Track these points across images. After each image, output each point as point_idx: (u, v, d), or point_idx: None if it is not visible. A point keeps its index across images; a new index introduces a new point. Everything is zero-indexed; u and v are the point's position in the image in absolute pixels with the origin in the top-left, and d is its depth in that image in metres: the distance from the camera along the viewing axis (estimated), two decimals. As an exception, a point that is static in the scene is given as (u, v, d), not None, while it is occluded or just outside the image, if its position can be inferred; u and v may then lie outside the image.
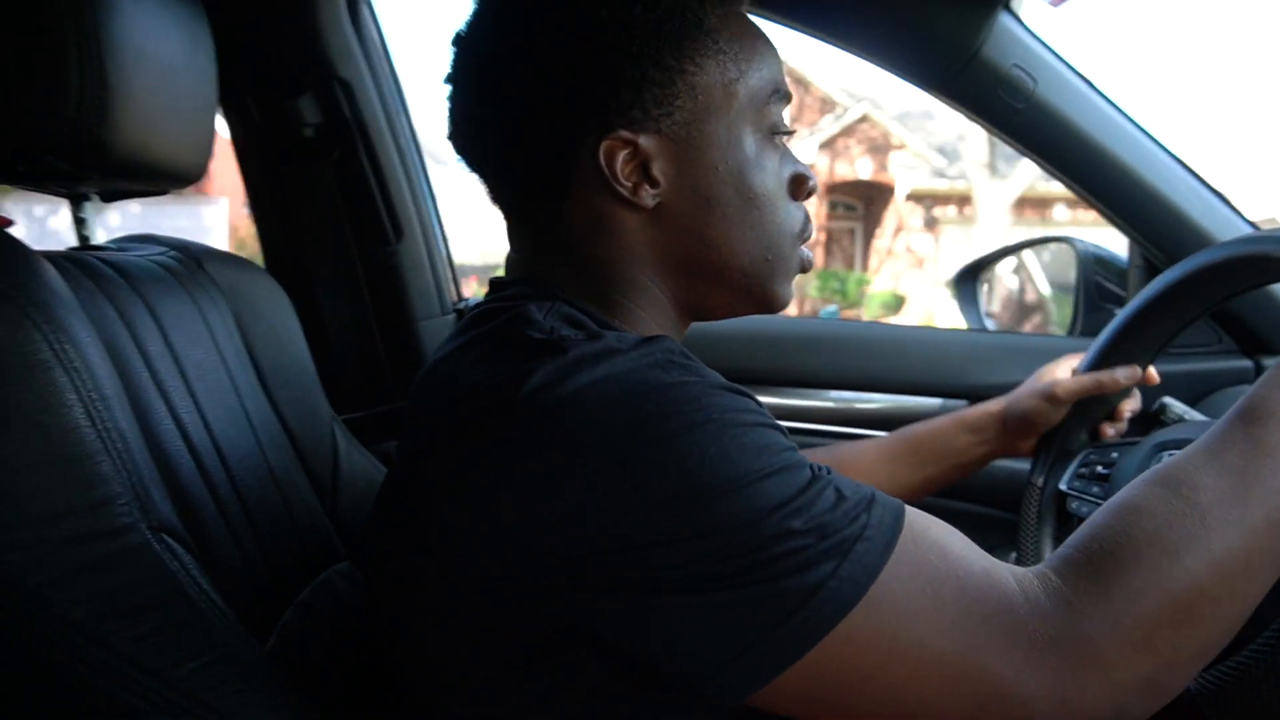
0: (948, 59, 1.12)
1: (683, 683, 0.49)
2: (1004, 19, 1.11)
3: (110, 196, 0.87)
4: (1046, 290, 1.65)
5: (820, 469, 0.51)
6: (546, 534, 0.48)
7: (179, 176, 0.81)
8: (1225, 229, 1.19)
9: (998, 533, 1.36)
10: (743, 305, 0.69)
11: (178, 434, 0.73)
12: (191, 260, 0.89)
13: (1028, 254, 1.65)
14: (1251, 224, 1.21)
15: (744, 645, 0.47)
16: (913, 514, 0.51)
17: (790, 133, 0.68)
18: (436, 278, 1.37)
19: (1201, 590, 0.48)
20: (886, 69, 1.17)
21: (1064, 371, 0.97)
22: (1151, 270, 1.28)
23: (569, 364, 0.51)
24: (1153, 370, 0.94)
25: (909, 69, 1.16)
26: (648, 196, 0.62)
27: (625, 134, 0.61)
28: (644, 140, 0.61)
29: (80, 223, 0.86)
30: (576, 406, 0.49)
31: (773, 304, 0.70)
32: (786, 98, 0.67)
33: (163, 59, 0.75)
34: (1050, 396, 0.94)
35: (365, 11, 1.29)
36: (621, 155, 0.61)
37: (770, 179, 0.66)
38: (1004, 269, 1.64)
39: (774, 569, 0.46)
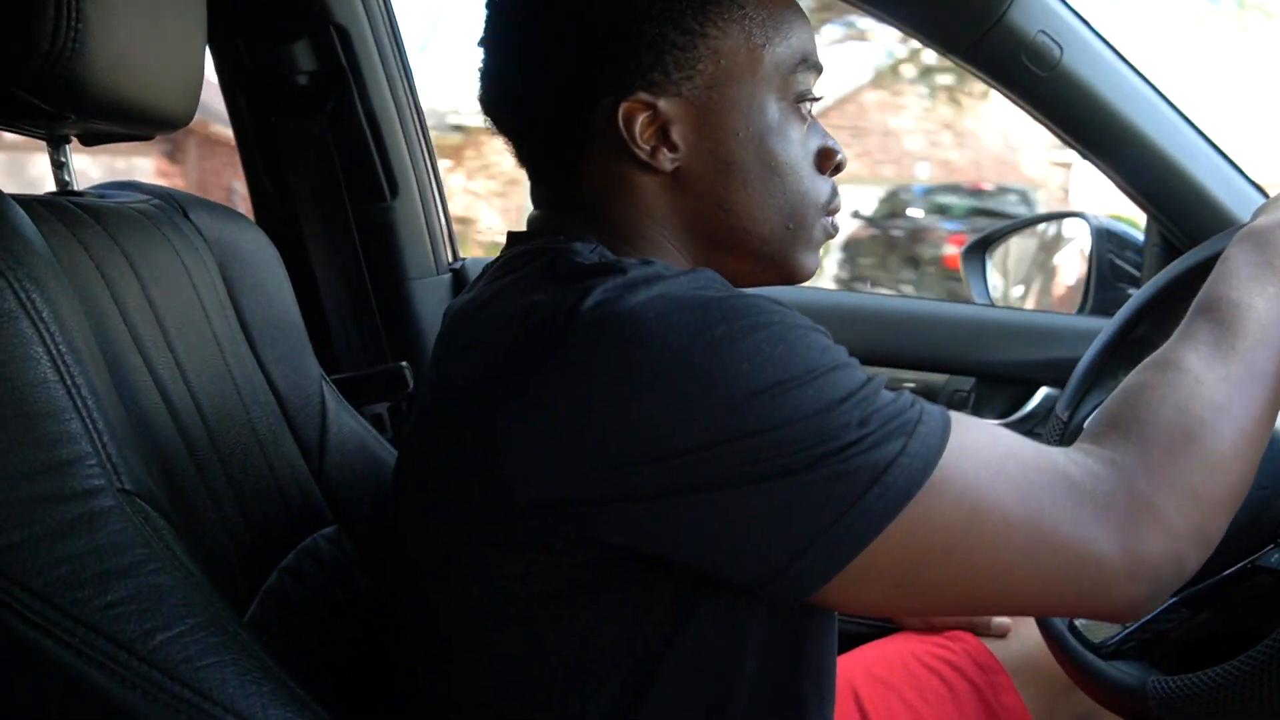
0: (971, 21, 1.07)
1: (751, 583, 0.50)
2: (1032, -19, 1.06)
3: (90, 140, 0.82)
4: (1057, 266, 1.61)
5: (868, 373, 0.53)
6: (618, 443, 0.49)
7: (163, 121, 0.77)
8: (1250, 210, 1.15)
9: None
10: (764, 274, 0.68)
11: (155, 391, 0.69)
12: (175, 209, 0.85)
13: (1040, 228, 1.61)
14: (1277, 204, 1.17)
15: (823, 526, 0.48)
16: (954, 412, 0.54)
17: (817, 99, 0.67)
18: (432, 236, 1.33)
19: (1219, 435, 0.53)
20: (904, 29, 1.13)
21: None
22: (1170, 250, 1.24)
23: (627, 283, 0.52)
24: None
25: (929, 30, 1.12)
26: (666, 160, 0.62)
27: (645, 97, 0.61)
28: (663, 104, 0.61)
29: (59, 166, 0.82)
30: (641, 317, 0.50)
31: (795, 274, 0.69)
32: (816, 68, 0.67)
33: None
34: None
35: (365, -45, 1.24)
36: (641, 118, 0.61)
37: (794, 148, 0.65)
38: (1015, 243, 1.60)
39: (846, 452, 0.48)
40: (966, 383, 1.35)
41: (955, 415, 0.53)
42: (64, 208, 0.72)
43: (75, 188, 0.82)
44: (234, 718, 0.52)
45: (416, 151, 1.31)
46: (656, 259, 0.58)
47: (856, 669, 0.95)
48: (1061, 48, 1.10)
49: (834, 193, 0.69)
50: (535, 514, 0.51)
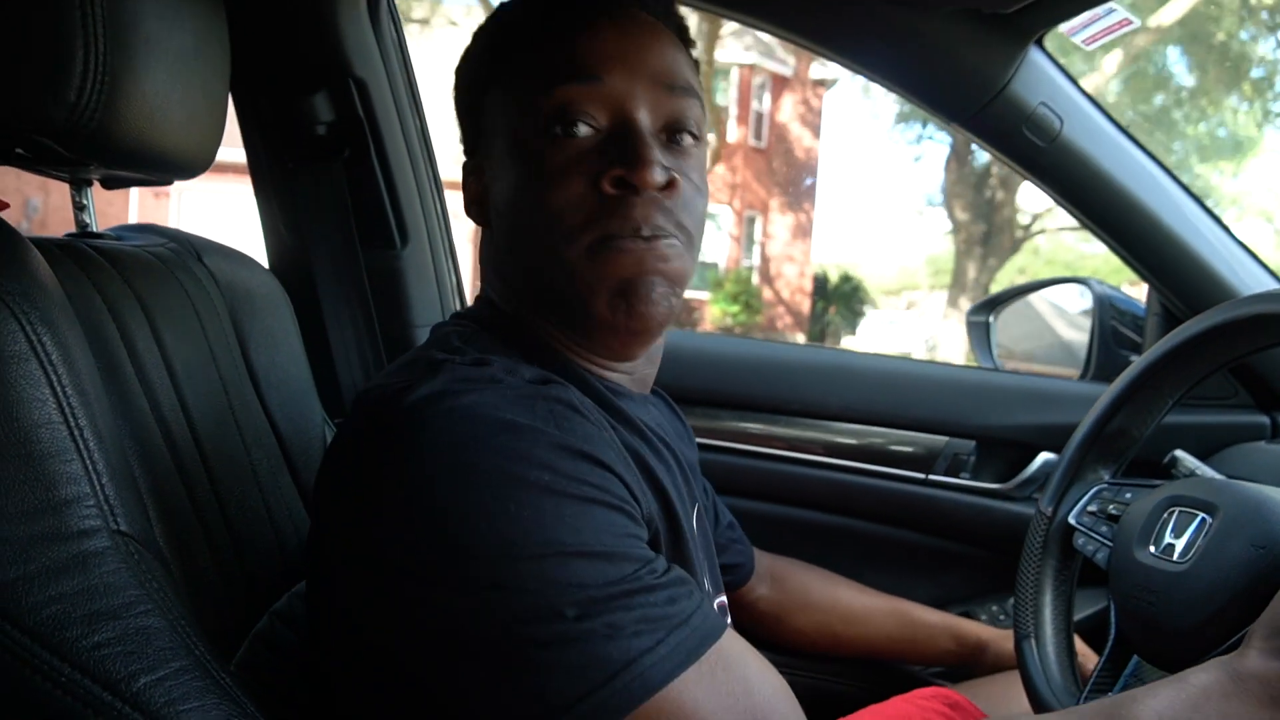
0: (974, 92, 1.10)
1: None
2: (1034, 55, 1.09)
3: (112, 184, 0.85)
4: (1060, 332, 1.62)
5: (660, 579, 0.50)
6: (368, 545, 0.51)
7: (183, 168, 0.80)
8: (1249, 282, 1.16)
9: (990, 576, 1.33)
10: (580, 333, 0.65)
11: (158, 432, 0.70)
12: (189, 252, 0.87)
13: (1043, 294, 1.62)
14: (1277, 278, 1.18)
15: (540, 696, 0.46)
16: (729, 641, 0.51)
17: (575, 120, 0.61)
18: (440, 285, 1.35)
19: None
20: (909, 98, 1.15)
21: None
22: (1170, 319, 1.25)
23: (438, 385, 0.53)
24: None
25: (933, 99, 1.14)
26: (473, 209, 0.70)
27: (470, 158, 0.71)
28: (470, 161, 0.71)
29: (80, 208, 0.85)
30: (423, 430, 0.50)
31: (600, 330, 0.63)
32: (571, 76, 0.61)
33: (173, 48, 0.73)
34: None
35: (385, 11, 1.28)
36: (471, 176, 0.70)
37: (540, 179, 0.62)
38: (1018, 307, 1.61)
39: (542, 654, 0.46)
40: (967, 445, 1.35)
41: (724, 648, 0.50)
42: (80, 251, 0.74)
43: (94, 229, 0.84)
44: None
45: (429, 202, 1.34)
46: (496, 355, 0.58)
47: None
48: (1062, 120, 1.12)
49: (614, 217, 0.60)
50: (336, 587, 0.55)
